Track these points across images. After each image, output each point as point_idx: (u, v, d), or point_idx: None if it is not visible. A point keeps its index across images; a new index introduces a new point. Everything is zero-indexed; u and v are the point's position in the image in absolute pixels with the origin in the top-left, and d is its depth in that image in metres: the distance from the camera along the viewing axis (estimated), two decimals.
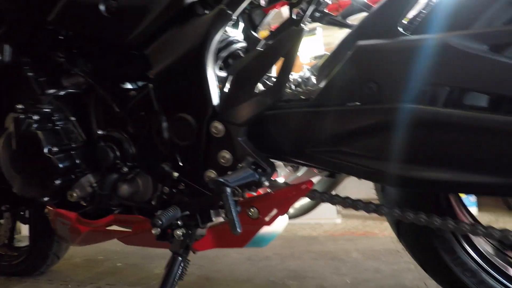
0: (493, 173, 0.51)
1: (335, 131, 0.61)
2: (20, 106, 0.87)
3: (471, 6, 0.56)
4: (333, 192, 0.74)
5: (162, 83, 0.74)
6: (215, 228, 0.82)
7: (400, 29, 0.59)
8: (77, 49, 0.89)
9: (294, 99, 0.67)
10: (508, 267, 0.70)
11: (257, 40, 0.94)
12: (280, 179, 0.88)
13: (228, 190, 0.55)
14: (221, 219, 0.80)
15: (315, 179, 0.82)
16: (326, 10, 0.94)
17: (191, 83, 0.71)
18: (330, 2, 0.92)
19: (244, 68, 0.65)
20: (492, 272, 0.68)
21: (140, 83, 0.84)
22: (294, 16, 0.87)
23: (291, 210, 1.27)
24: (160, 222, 0.66)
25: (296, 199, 0.68)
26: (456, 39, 0.51)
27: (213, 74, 0.71)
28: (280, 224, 0.88)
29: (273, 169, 0.68)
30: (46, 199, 0.87)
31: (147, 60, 0.76)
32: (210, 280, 1.24)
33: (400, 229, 0.77)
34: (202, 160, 0.72)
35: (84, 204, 0.89)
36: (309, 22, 0.96)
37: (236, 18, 0.71)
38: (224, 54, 0.83)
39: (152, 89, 0.75)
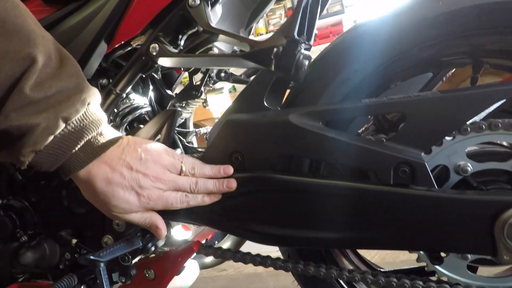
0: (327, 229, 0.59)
1: None
2: None
3: (317, 84, 0.65)
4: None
5: None
6: (128, 286, 0.84)
7: (266, 104, 0.67)
8: None
9: None
10: None
11: (171, 97, 1.01)
12: (187, 234, 0.92)
13: (102, 265, 0.59)
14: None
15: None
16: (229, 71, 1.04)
17: None
18: None
19: None
20: None
21: None
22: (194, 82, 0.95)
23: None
24: None
25: (185, 259, 0.73)
26: (296, 117, 0.59)
27: None
28: (189, 278, 0.91)
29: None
30: None
31: None
32: None
33: (294, 275, 0.83)
34: (99, 227, 0.75)
35: None
36: (215, 82, 1.05)
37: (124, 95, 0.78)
38: (130, 118, 0.89)
39: None
